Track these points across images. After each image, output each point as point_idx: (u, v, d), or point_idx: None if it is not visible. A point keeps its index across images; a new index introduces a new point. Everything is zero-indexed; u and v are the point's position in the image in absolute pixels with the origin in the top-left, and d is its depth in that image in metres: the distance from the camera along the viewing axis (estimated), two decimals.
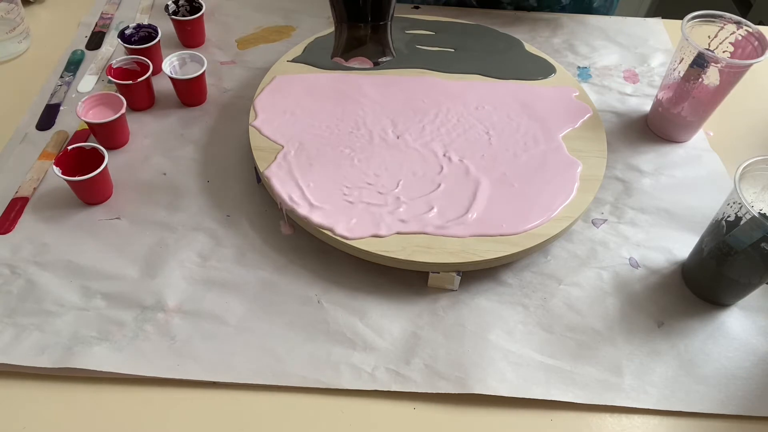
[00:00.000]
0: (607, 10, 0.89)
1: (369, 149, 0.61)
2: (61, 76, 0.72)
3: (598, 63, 0.79)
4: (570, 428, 0.47)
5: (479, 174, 0.59)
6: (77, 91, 0.70)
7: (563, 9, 0.86)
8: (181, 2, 0.75)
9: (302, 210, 0.55)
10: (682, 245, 0.59)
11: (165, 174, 0.62)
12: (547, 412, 0.48)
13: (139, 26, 0.71)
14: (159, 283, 0.53)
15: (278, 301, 0.53)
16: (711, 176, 0.66)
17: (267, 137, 0.61)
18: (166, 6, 0.74)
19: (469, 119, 0.65)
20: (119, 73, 0.67)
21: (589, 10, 0.87)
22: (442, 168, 0.57)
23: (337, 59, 0.51)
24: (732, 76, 0.62)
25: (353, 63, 0.51)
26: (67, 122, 0.66)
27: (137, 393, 0.47)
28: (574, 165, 0.61)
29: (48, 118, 0.67)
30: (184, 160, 0.63)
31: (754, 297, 0.55)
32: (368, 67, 0.51)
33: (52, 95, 0.69)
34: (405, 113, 0.65)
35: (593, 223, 0.61)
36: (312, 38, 0.73)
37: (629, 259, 0.58)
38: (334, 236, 0.53)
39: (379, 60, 0.51)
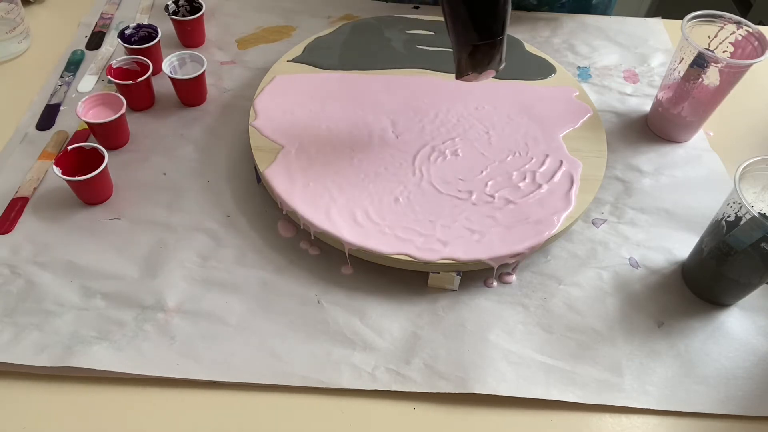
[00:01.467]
0: (605, 7, 0.89)
1: (369, 149, 0.61)
2: (61, 76, 0.72)
3: (598, 63, 0.79)
4: (570, 428, 0.47)
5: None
6: (77, 91, 0.70)
7: (563, 7, 0.86)
8: (181, 2, 0.75)
9: (305, 213, 0.55)
10: (682, 245, 0.59)
11: (165, 174, 0.62)
12: (547, 412, 0.48)
13: (139, 26, 0.71)
14: (159, 283, 0.53)
15: (278, 301, 0.53)
16: (711, 176, 0.66)
17: (267, 137, 0.61)
18: (166, 6, 0.74)
19: (469, 119, 0.65)
20: (119, 73, 0.67)
21: (588, 8, 0.87)
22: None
23: (467, 77, 0.53)
24: (732, 76, 0.62)
25: (484, 77, 0.54)
26: (67, 122, 0.66)
27: (137, 393, 0.47)
28: (574, 165, 0.61)
29: (48, 118, 0.67)
30: (184, 160, 0.63)
31: (754, 297, 0.55)
32: (491, 77, 0.55)
33: (52, 95, 0.69)
34: (405, 113, 0.65)
35: (593, 223, 0.61)
36: (312, 38, 0.73)
37: (629, 259, 0.58)
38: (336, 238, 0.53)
39: (498, 68, 0.54)
